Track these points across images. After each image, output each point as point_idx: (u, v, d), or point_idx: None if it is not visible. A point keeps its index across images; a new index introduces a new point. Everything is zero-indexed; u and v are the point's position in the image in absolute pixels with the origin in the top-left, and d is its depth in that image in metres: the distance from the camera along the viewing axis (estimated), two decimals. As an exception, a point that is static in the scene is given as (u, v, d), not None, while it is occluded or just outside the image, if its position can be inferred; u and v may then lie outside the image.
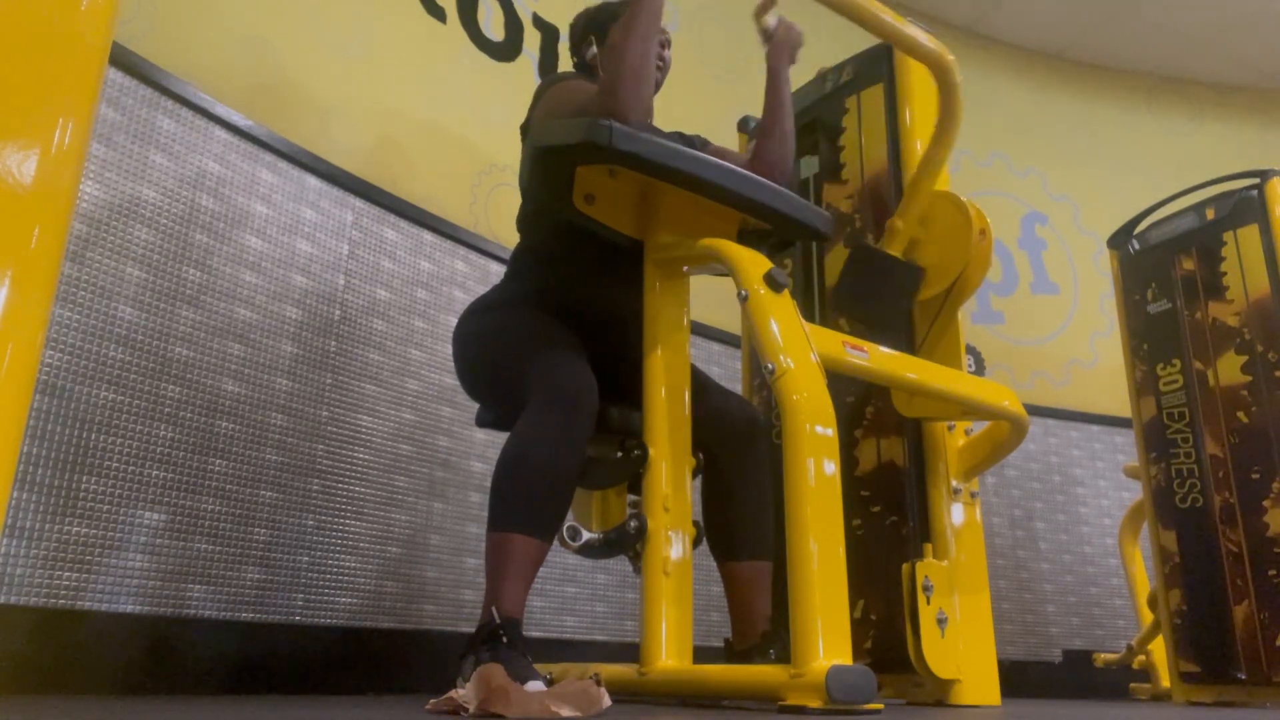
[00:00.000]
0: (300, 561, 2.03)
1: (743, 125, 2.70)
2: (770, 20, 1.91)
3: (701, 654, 1.50)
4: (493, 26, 2.94)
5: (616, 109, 1.50)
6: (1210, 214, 2.84)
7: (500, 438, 1.53)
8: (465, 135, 2.75)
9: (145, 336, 1.86)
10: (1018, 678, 3.41)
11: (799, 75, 2.27)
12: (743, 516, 1.67)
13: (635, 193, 1.62)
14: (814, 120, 2.50)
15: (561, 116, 1.61)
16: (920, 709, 1.75)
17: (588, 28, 1.91)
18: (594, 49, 1.89)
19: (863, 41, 2.42)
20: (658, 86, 1.89)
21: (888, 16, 1.85)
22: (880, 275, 2.06)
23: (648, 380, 1.56)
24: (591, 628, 2.58)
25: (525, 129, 1.79)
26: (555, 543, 1.45)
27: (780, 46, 1.90)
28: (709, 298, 2.69)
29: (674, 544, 1.48)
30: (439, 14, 2.77)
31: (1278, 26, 4.57)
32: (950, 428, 2.07)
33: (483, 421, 1.82)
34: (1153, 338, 2.89)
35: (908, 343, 2.10)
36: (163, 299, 1.91)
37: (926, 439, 2.08)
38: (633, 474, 1.58)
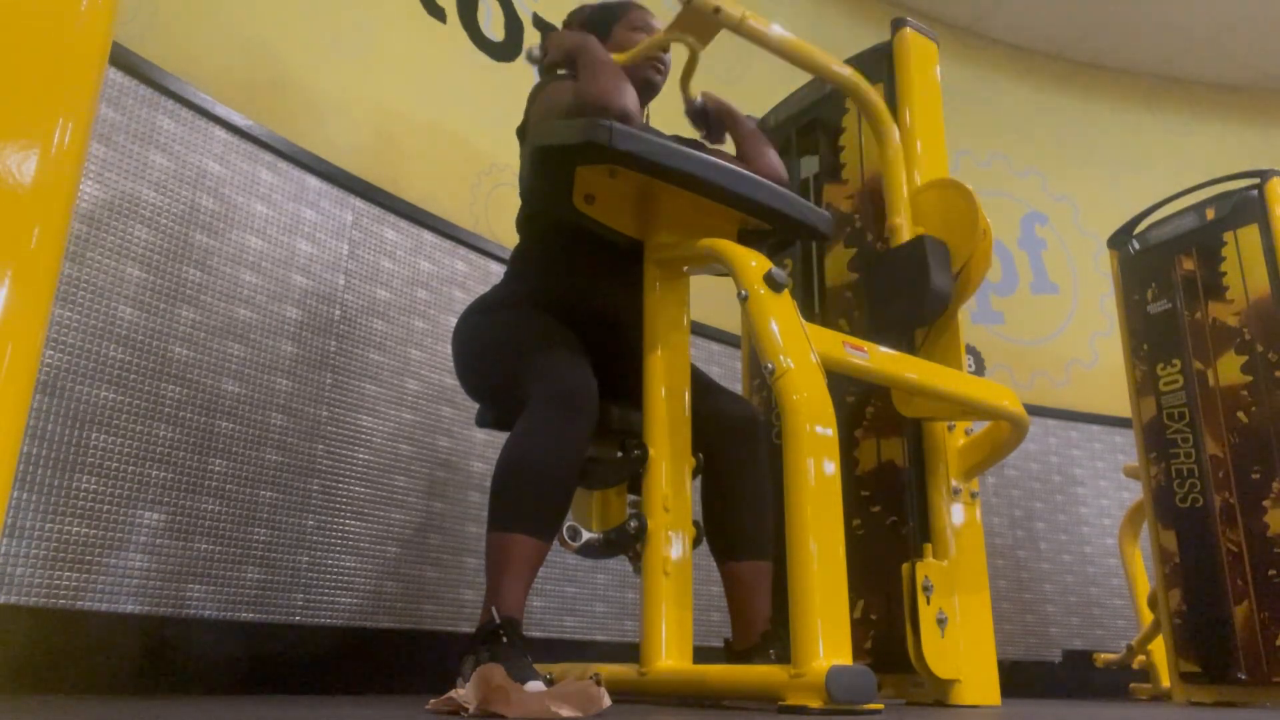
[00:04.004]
0: (300, 561, 2.03)
1: (743, 125, 2.70)
2: (697, 98, 1.93)
3: (701, 654, 1.49)
4: (493, 26, 2.94)
5: (598, 100, 1.51)
6: (1210, 214, 2.84)
7: (500, 438, 1.53)
8: (465, 135, 2.75)
9: (145, 336, 1.86)
10: (1018, 678, 3.41)
11: (797, 76, 2.27)
12: (742, 516, 1.67)
13: (635, 193, 1.62)
14: (814, 120, 2.50)
15: (554, 116, 1.61)
16: (920, 709, 1.75)
17: (584, 28, 1.90)
18: None
19: (861, 43, 2.43)
20: (656, 90, 1.89)
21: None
22: (898, 268, 2.00)
23: (648, 380, 1.56)
24: (591, 628, 2.58)
25: (521, 132, 1.79)
26: (555, 543, 1.45)
27: (721, 114, 1.95)
28: (709, 298, 2.69)
29: (674, 544, 1.48)
30: (439, 14, 2.77)
31: (1278, 26, 4.56)
32: (950, 428, 2.07)
33: (483, 421, 1.82)
34: (1153, 338, 2.89)
35: (908, 343, 2.09)
36: (163, 299, 1.90)
37: (926, 439, 2.08)
38: (633, 474, 1.58)
